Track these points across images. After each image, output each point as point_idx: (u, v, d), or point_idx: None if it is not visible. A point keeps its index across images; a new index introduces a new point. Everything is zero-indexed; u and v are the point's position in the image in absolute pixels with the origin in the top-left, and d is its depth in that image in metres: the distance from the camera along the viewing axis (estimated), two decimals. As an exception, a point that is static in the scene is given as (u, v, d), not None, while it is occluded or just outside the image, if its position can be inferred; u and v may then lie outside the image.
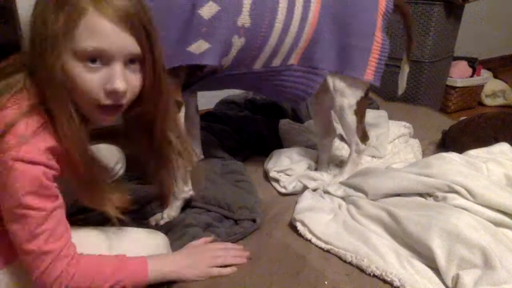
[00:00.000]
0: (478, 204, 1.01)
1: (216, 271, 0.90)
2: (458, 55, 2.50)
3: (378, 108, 1.97)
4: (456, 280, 0.85)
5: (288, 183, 1.31)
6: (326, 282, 0.91)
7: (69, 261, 0.72)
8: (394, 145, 1.61)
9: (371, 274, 0.92)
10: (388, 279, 0.89)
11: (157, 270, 0.81)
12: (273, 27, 1.05)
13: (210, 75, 1.11)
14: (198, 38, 0.97)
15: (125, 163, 1.32)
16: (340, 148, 1.57)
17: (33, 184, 0.66)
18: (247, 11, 1.00)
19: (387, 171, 1.19)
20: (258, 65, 1.11)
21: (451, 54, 2.33)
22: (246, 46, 1.05)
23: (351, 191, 1.20)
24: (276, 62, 1.12)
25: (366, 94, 1.23)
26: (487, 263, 0.85)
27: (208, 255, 0.92)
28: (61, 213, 0.73)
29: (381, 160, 1.51)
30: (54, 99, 0.68)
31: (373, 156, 1.54)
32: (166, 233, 1.02)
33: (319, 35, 1.11)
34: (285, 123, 1.71)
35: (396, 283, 0.88)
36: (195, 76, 1.10)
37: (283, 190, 1.31)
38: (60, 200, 0.73)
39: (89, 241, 0.82)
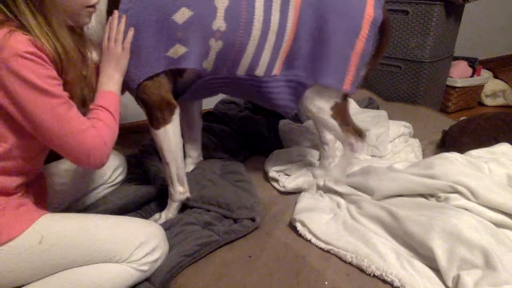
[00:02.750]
0: (480, 204, 1.01)
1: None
2: (458, 55, 2.50)
3: (378, 108, 1.97)
4: (457, 280, 0.85)
5: (287, 183, 1.31)
6: (326, 282, 0.91)
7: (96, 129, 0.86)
8: (394, 144, 1.61)
9: (371, 274, 0.92)
10: (388, 280, 0.89)
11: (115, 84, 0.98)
12: (250, 31, 1.05)
13: (197, 79, 1.12)
14: (175, 43, 1.01)
15: (126, 168, 1.32)
16: (341, 149, 1.56)
17: (37, 69, 0.74)
18: (221, 16, 1.02)
19: (389, 171, 1.18)
20: (241, 71, 1.12)
21: (451, 54, 2.33)
22: (224, 49, 1.06)
23: (352, 191, 1.20)
24: (259, 71, 1.12)
25: (343, 99, 1.18)
26: (488, 264, 0.85)
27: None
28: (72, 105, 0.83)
29: (382, 160, 1.51)
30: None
31: (373, 155, 1.54)
32: (165, 230, 1.02)
33: (299, 43, 1.09)
34: (285, 123, 1.71)
35: (396, 283, 0.88)
36: (177, 81, 1.12)
37: (282, 190, 1.31)
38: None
39: (93, 224, 0.90)
